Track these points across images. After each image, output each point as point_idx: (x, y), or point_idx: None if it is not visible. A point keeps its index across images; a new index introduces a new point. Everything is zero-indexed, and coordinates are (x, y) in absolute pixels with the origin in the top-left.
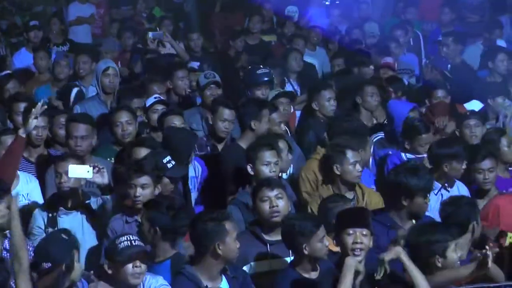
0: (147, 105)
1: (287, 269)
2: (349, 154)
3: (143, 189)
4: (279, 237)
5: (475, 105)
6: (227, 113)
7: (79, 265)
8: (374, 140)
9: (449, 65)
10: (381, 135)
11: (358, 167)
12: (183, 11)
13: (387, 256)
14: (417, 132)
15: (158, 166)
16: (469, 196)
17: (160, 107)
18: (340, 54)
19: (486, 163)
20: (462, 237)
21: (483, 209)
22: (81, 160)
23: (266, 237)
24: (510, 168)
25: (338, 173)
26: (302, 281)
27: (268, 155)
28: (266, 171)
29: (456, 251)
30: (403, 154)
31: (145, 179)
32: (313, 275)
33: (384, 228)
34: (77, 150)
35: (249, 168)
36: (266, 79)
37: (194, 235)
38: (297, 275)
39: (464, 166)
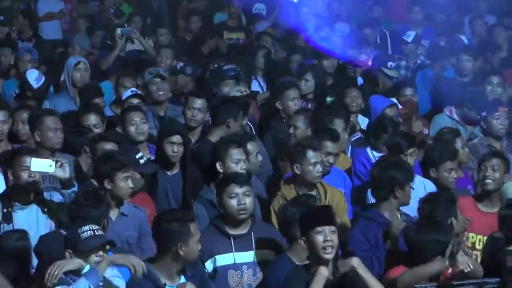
0: (123, 98)
1: (282, 257)
2: (310, 154)
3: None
4: (242, 231)
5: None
6: (197, 102)
7: None
8: (352, 140)
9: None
10: (359, 134)
11: (318, 167)
12: (152, 7)
13: (343, 268)
14: (384, 130)
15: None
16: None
17: (136, 101)
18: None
19: (455, 162)
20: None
21: None
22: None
23: (230, 231)
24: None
25: (298, 172)
26: (297, 270)
27: (236, 153)
28: (236, 168)
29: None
30: (369, 152)
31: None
32: None
33: (378, 225)
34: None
35: (218, 166)
36: (232, 73)
37: (157, 233)
38: (292, 263)
39: (411, 162)
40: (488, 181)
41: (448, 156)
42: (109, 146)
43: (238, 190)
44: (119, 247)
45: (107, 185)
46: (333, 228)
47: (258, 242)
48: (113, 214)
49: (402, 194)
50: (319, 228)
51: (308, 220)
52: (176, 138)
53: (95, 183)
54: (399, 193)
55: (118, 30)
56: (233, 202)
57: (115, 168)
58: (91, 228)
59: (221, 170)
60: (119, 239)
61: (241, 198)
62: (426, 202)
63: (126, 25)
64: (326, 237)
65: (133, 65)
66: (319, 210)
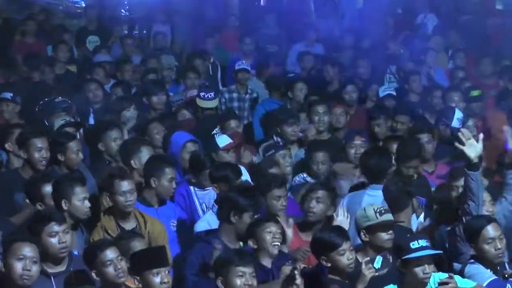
0: None
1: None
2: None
3: None
4: (62, 268)
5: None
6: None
7: None
8: None
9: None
10: None
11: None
12: None
13: None
14: (203, 167)
15: None
16: None
17: None
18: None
19: (283, 190)
20: None
21: None
22: None
23: (50, 270)
24: None
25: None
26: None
27: (80, 191)
28: (82, 206)
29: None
30: (191, 187)
31: None
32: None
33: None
34: None
35: (63, 204)
36: (64, 106)
37: None
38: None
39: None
40: (310, 213)
41: (275, 184)
42: None
43: (58, 228)
44: None
45: None
46: (168, 268)
47: (77, 277)
48: None
49: (238, 220)
50: (155, 270)
51: (143, 261)
52: None
53: None
54: (235, 219)
55: None
56: (54, 240)
57: None
58: None
59: (65, 208)
60: None
61: (61, 237)
62: None
63: None
64: (163, 279)
65: None
66: (153, 251)
